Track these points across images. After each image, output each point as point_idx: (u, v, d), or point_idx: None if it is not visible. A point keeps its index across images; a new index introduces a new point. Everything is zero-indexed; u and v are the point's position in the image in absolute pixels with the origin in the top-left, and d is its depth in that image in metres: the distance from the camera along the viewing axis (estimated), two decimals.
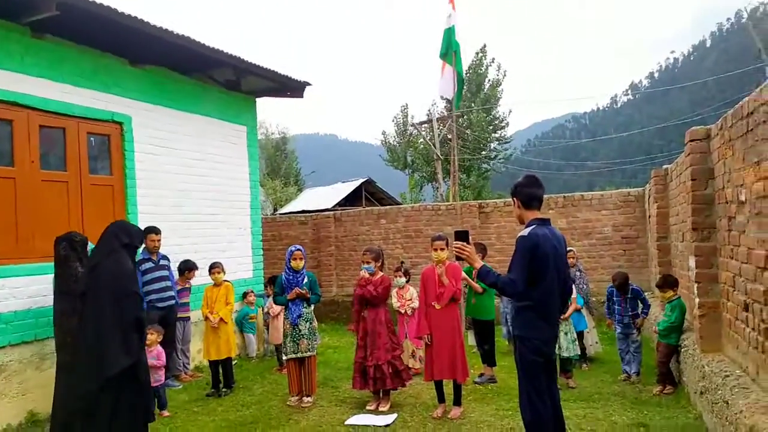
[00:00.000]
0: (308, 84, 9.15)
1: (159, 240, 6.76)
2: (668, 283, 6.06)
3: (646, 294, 6.74)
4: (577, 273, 7.31)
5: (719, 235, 4.73)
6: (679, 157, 6.43)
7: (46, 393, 5.63)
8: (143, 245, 6.30)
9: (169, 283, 6.81)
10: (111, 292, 3.93)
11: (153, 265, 6.69)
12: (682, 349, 5.72)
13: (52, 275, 5.34)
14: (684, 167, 5.49)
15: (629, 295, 6.43)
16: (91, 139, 6.63)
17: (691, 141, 5.01)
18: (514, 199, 3.84)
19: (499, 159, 35.00)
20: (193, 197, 7.90)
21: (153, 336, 5.50)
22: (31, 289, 5.73)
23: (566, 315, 6.21)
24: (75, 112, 6.32)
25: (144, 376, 4.01)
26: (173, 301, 6.83)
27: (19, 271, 5.67)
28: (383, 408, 5.60)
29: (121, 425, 3.84)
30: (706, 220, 4.89)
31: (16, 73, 5.74)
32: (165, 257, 6.88)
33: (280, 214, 22.03)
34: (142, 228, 6.54)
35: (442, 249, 5.46)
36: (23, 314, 5.66)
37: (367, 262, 5.79)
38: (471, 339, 7.42)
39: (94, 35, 6.31)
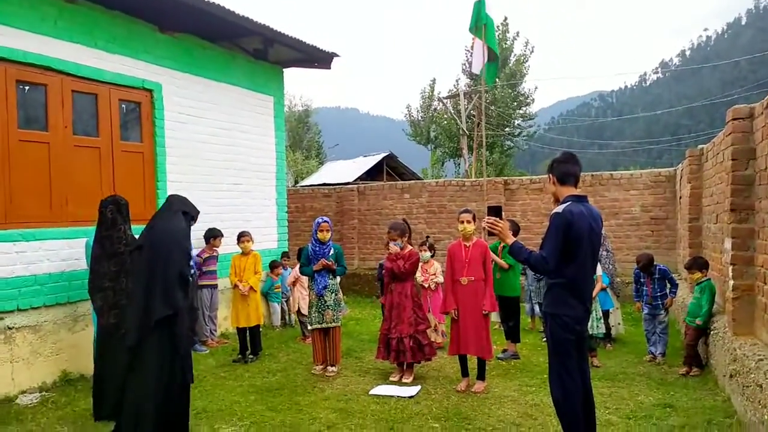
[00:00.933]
0: (336, 55, 9.06)
1: None
2: (697, 264, 5.97)
3: (673, 275, 6.65)
4: (604, 252, 7.23)
5: (758, 217, 4.62)
6: (716, 136, 6.26)
7: (78, 353, 5.83)
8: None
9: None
10: (163, 245, 4.01)
11: None
12: (712, 332, 5.66)
13: (89, 238, 5.42)
14: (724, 147, 5.35)
15: (656, 276, 6.36)
16: (123, 105, 6.67)
17: (734, 120, 4.87)
18: (550, 175, 3.77)
19: (523, 136, 34.57)
20: (220, 166, 7.95)
21: None
22: (65, 252, 5.85)
23: (593, 294, 6.16)
24: (106, 78, 6.34)
25: (181, 331, 3.98)
26: (192, 270, 6.84)
27: (54, 234, 5.78)
28: (407, 380, 5.66)
29: (157, 381, 3.88)
30: (745, 202, 4.77)
31: (50, 38, 5.77)
32: None
33: (302, 186, 22.09)
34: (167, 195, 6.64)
35: (468, 222, 5.45)
36: (57, 276, 5.79)
37: (394, 239, 5.79)
38: (495, 315, 7.41)
39: (125, 1, 6.30)
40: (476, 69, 10.65)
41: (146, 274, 3.97)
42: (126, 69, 6.58)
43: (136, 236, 4.55)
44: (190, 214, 4.32)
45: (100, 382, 4.66)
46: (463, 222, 5.47)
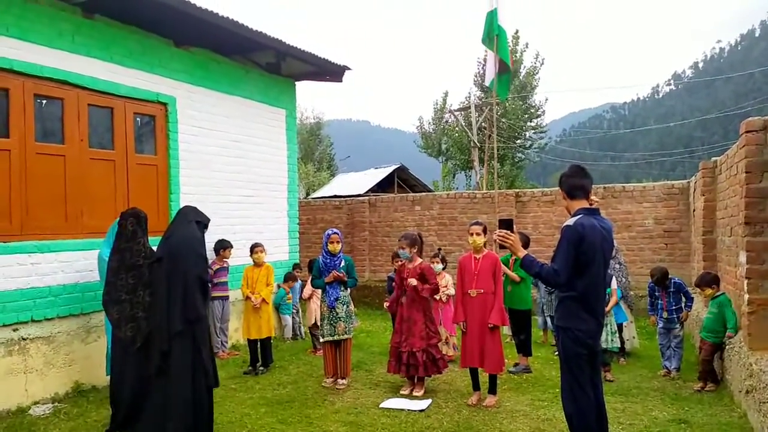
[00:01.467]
0: (347, 68, 9.13)
1: None
2: (705, 281, 5.89)
3: (688, 288, 6.57)
4: (617, 265, 7.15)
5: None
6: (729, 148, 6.22)
7: (91, 364, 5.87)
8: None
9: None
10: (180, 254, 4.17)
11: None
12: (727, 347, 5.58)
13: (101, 250, 5.49)
14: (737, 159, 5.31)
15: (672, 289, 6.29)
16: (137, 119, 6.76)
17: (747, 132, 4.83)
18: (560, 190, 3.78)
19: (534, 148, 34.50)
20: (233, 179, 8.01)
21: None
22: (79, 264, 5.91)
23: (608, 308, 6.11)
24: (122, 92, 6.44)
25: (202, 335, 4.13)
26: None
27: (69, 246, 5.84)
28: (417, 393, 5.63)
29: (183, 387, 3.99)
30: (760, 215, 4.73)
31: (67, 53, 5.87)
32: None
33: (313, 198, 22.18)
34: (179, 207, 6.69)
35: (478, 234, 5.44)
36: (71, 288, 5.85)
37: (402, 248, 5.81)
38: (506, 329, 7.36)
39: (141, 16, 6.40)
40: (487, 81, 10.65)
41: (166, 284, 4.11)
42: (141, 83, 6.67)
43: (155, 248, 4.64)
44: (203, 222, 4.46)
45: (116, 393, 4.69)
46: (473, 234, 5.46)
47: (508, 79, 10.75)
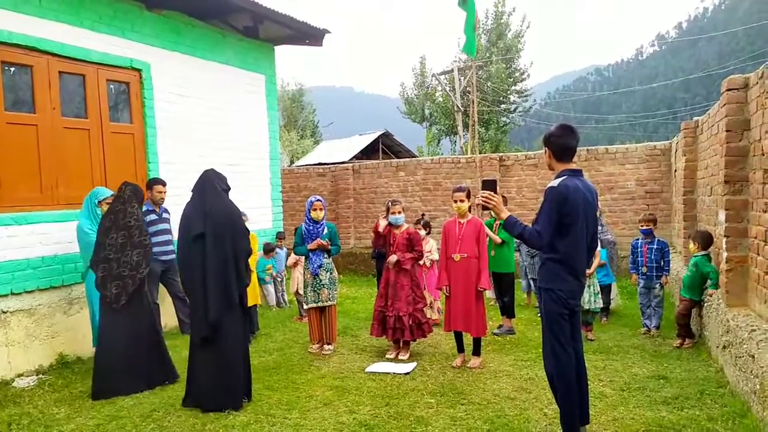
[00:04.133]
0: (327, 32, 8.93)
1: (165, 192, 6.57)
2: (705, 240, 5.82)
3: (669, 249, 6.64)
4: (599, 227, 7.20)
5: (752, 188, 4.60)
6: (711, 108, 6.21)
7: (74, 336, 5.86)
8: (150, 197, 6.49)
9: (170, 237, 6.59)
10: (228, 231, 4.38)
11: (157, 217, 6.50)
12: (705, 304, 5.68)
13: (80, 221, 5.40)
14: (718, 118, 5.30)
15: (655, 246, 6.35)
16: (111, 86, 6.57)
17: (728, 90, 4.81)
18: (546, 149, 3.70)
19: (519, 112, 34.35)
20: (213, 146, 7.87)
21: None
22: (57, 235, 5.81)
23: (591, 270, 6.17)
24: (93, 58, 6.23)
25: (245, 300, 4.55)
26: (174, 255, 6.49)
27: (46, 218, 5.73)
28: (403, 357, 5.68)
29: (233, 343, 4.39)
30: (739, 173, 4.75)
31: (35, 18, 5.65)
32: (166, 210, 6.66)
33: (297, 166, 21.99)
34: (149, 179, 6.59)
35: (462, 201, 5.41)
36: (50, 260, 5.76)
37: (400, 212, 5.85)
38: (489, 292, 7.44)
39: None
40: (461, 44, 10.58)
41: (218, 259, 4.30)
42: (113, 48, 6.46)
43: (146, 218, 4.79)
44: (227, 189, 4.63)
45: (102, 358, 4.73)
46: (457, 201, 5.44)
47: (473, 36, 10.81)
